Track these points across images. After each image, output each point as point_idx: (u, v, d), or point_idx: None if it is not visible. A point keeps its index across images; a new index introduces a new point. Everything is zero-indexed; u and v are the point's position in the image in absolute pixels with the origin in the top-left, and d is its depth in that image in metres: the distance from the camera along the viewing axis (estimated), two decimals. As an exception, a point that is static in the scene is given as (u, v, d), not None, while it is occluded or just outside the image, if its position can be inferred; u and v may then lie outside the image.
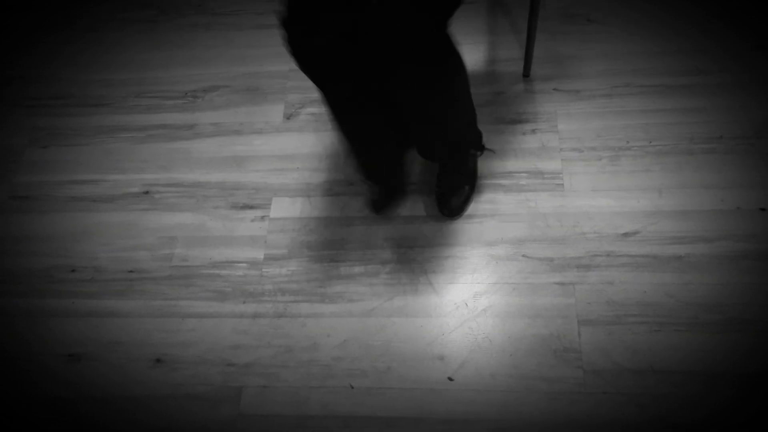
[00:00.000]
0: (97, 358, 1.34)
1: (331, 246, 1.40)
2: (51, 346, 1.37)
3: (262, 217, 1.46)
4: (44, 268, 1.46)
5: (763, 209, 1.31)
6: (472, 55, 1.62)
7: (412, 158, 1.47)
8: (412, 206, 1.42)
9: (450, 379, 1.22)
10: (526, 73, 1.54)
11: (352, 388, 1.25)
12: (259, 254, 1.41)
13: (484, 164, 1.43)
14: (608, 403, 1.17)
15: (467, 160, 1.36)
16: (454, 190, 1.36)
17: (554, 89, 1.52)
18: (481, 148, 1.37)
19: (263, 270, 1.39)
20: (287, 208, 1.46)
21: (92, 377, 1.32)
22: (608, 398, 1.17)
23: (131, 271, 1.43)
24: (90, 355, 1.35)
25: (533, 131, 1.46)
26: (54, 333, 1.38)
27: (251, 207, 1.47)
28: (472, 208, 1.39)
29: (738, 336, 1.20)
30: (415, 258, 1.36)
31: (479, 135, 1.34)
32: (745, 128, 1.41)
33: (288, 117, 1.60)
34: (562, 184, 1.40)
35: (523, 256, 1.33)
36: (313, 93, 1.62)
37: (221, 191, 1.51)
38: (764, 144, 1.39)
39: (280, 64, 1.69)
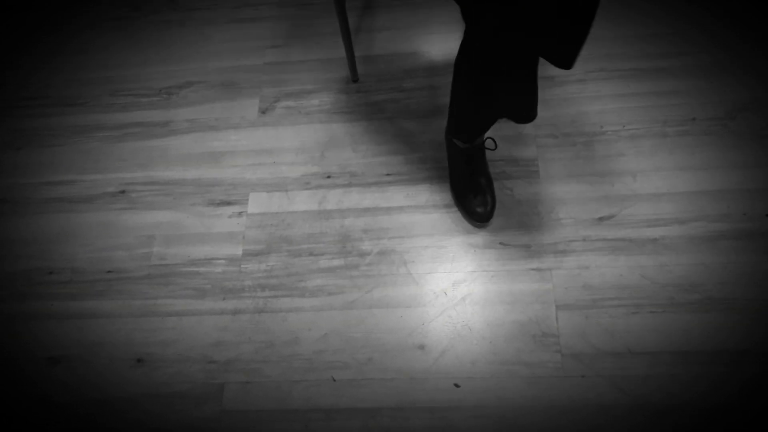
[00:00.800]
0: (78, 360, 1.34)
1: (309, 240, 1.40)
2: (30, 350, 1.36)
3: (240, 213, 1.45)
4: (22, 271, 1.45)
5: (736, 189, 1.33)
6: (446, 43, 1.61)
7: (396, 150, 1.48)
8: (391, 197, 1.42)
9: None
10: (501, 61, 1.54)
11: (334, 380, 1.25)
12: (238, 250, 1.41)
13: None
14: (587, 385, 1.18)
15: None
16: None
17: (529, 76, 1.52)
18: None
19: (242, 266, 1.39)
20: (265, 203, 1.45)
21: (73, 379, 1.32)
22: (587, 381, 1.19)
23: (110, 272, 1.42)
24: (70, 357, 1.34)
25: (509, 119, 1.45)
26: (33, 336, 1.37)
27: (228, 203, 1.47)
28: (449, 198, 1.40)
29: (714, 315, 1.22)
30: (394, 249, 1.36)
31: None
32: (718, 109, 1.42)
33: (263, 111, 1.59)
34: (538, 171, 1.40)
35: (500, 243, 1.34)
36: (288, 86, 1.62)
37: (198, 188, 1.50)
38: (736, 125, 1.40)
39: (255, 58, 1.68)
